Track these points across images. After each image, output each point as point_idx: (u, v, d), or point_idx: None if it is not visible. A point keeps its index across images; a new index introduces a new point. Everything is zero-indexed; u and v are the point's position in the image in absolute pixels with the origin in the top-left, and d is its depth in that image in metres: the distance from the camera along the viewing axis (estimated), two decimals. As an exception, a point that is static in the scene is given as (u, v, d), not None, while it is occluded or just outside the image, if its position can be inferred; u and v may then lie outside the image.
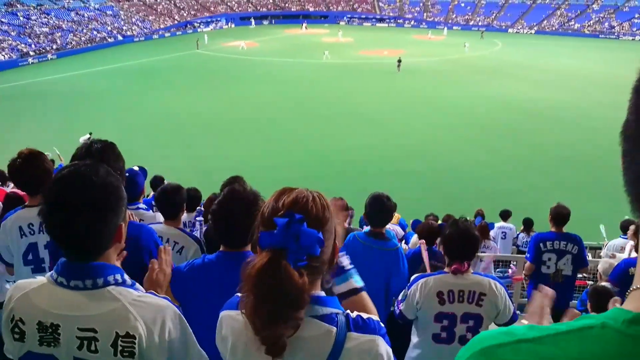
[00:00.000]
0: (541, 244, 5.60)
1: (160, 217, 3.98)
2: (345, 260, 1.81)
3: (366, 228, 4.13)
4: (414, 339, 3.21)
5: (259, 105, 27.64)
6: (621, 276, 5.55)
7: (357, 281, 1.80)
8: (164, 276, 2.04)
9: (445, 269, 3.11)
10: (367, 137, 21.97)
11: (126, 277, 1.65)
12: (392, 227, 8.37)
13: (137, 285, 1.67)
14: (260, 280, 1.31)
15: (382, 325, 1.50)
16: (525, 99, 28.83)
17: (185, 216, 5.10)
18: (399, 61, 38.05)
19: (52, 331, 1.54)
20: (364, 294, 1.80)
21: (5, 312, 1.60)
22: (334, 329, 1.40)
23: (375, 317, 1.53)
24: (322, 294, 1.48)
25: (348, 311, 1.48)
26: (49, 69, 40.31)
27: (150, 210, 4.15)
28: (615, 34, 64.56)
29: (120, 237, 1.67)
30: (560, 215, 5.57)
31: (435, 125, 24.03)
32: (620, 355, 0.64)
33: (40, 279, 1.64)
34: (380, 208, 3.87)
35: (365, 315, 1.48)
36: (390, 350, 1.48)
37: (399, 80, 34.84)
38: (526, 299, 7.18)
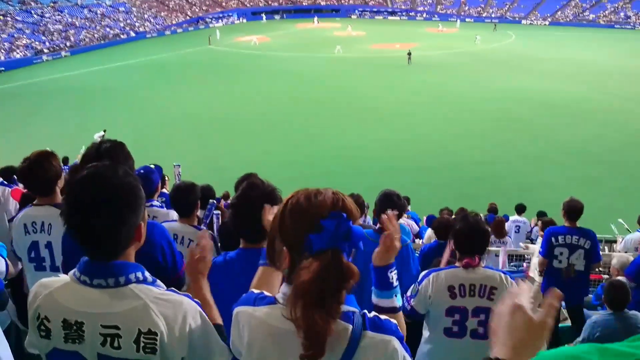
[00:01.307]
0: (553, 238, 5.54)
1: (174, 214, 4.02)
2: (394, 276, 1.83)
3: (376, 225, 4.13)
4: (426, 333, 3.23)
5: (271, 101, 27.67)
6: (638, 271, 5.50)
7: (398, 300, 1.84)
8: (205, 263, 2.03)
9: (457, 264, 3.13)
10: (379, 132, 21.89)
11: (147, 274, 1.69)
12: (407, 222, 8.37)
13: (158, 282, 1.70)
14: (323, 281, 1.34)
15: (400, 331, 1.52)
16: (539, 92, 28.49)
17: (199, 213, 5.15)
18: (409, 54, 38.03)
19: (76, 328, 1.58)
20: (400, 314, 1.85)
21: (31, 309, 1.65)
22: (350, 326, 1.42)
23: (395, 322, 1.55)
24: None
25: (365, 311, 1.50)
26: (63, 66, 40.68)
27: (164, 208, 4.19)
28: (631, 24, 63.55)
29: (140, 237, 1.71)
30: (573, 209, 5.51)
31: (448, 119, 23.89)
32: None
33: (64, 278, 1.68)
34: (390, 206, 3.87)
35: (382, 317, 1.50)
36: (406, 355, 1.50)
37: (411, 74, 34.64)
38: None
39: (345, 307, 1.45)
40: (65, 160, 12.14)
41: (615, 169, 17.28)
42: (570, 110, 24.96)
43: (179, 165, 5.57)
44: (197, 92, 30.27)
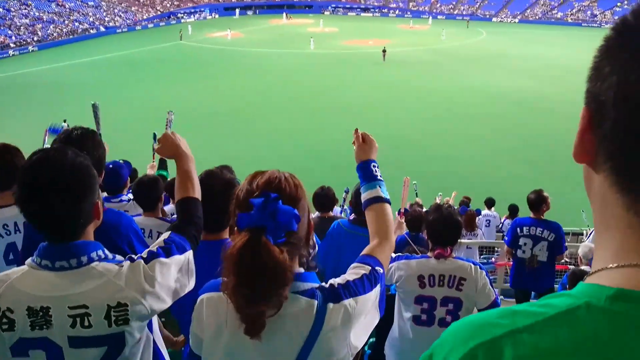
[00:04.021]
0: (518, 229, 5.76)
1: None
2: (376, 170, 1.98)
3: (350, 216, 4.18)
4: (396, 320, 3.28)
5: (245, 97, 27.51)
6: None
7: (383, 192, 1.93)
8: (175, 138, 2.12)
9: (429, 254, 3.18)
10: (351, 127, 21.92)
11: (107, 252, 1.71)
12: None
13: (118, 257, 1.73)
14: (241, 258, 1.35)
15: (366, 278, 1.57)
16: (510, 89, 29.00)
17: (170, 207, 5.12)
18: (384, 51, 38.25)
19: (43, 314, 1.57)
20: (387, 206, 1.91)
21: None
22: (315, 301, 1.45)
23: (364, 269, 1.60)
24: (302, 270, 1.54)
25: (323, 283, 1.53)
26: (31, 61, 39.71)
27: (132, 202, 4.18)
28: (598, 22, 65.00)
29: (98, 214, 1.73)
30: (529, 201, 5.72)
31: (420, 116, 24.12)
32: (612, 334, 0.62)
33: (20, 268, 1.67)
34: None
35: (341, 281, 1.54)
36: (376, 293, 1.57)
37: (384, 71, 34.83)
38: (508, 284, 7.29)
39: (308, 284, 1.49)
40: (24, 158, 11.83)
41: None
42: (539, 106, 25.49)
43: (172, 112, 5.50)
44: (168, 87, 29.89)
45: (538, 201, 5.63)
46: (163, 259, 1.73)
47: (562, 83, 30.62)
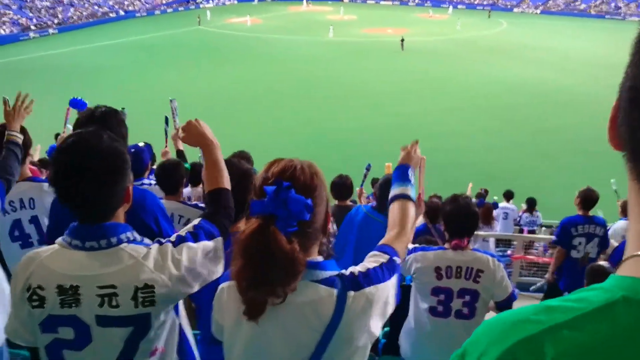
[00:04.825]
0: (572, 229, 5.64)
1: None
2: (412, 175, 2.13)
3: (372, 202, 4.23)
4: (412, 311, 3.27)
5: (262, 84, 27.51)
6: (619, 257, 5.59)
7: (412, 193, 2.05)
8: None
9: (445, 245, 3.16)
10: (370, 117, 21.91)
11: (136, 234, 1.73)
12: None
13: (146, 240, 1.75)
14: (249, 244, 1.37)
15: (384, 268, 1.58)
16: (529, 81, 28.61)
17: (188, 190, 5.16)
18: (402, 40, 38.06)
19: (72, 293, 1.60)
20: (411, 204, 2.01)
21: (20, 282, 1.65)
22: (335, 290, 1.46)
23: (382, 259, 1.61)
24: (320, 258, 1.54)
25: (343, 271, 1.53)
26: (51, 44, 40.07)
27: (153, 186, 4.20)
28: (622, 14, 63.73)
29: (128, 198, 1.76)
30: (589, 198, 5.63)
31: (438, 106, 23.94)
32: None
33: (52, 246, 1.70)
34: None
35: (361, 269, 1.55)
36: (393, 282, 1.58)
37: (403, 60, 34.57)
38: (526, 278, 7.23)
39: (327, 273, 1.49)
40: (57, 136, 12.02)
41: (601, 159, 17.42)
42: (557, 99, 25.13)
43: (175, 100, 5.39)
44: (186, 72, 29.99)
45: (596, 200, 5.61)
46: (191, 244, 1.74)
47: (582, 75, 30.17)
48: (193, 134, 2.07)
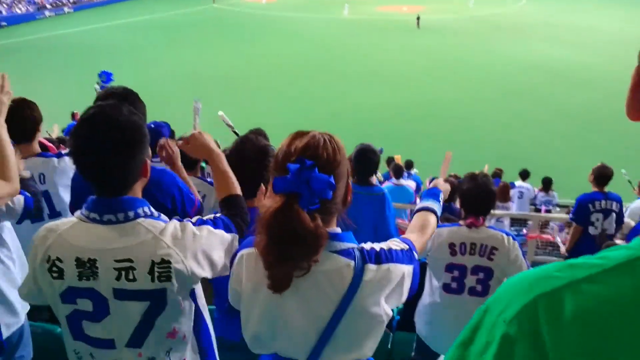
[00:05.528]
0: (590, 205, 5.61)
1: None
2: (442, 197, 2.28)
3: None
4: (427, 288, 3.28)
5: (276, 62, 27.43)
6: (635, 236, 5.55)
7: (438, 210, 2.18)
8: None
9: (460, 222, 3.15)
10: (386, 97, 21.75)
11: (153, 209, 1.74)
12: (408, 184, 8.40)
13: (163, 216, 1.75)
14: (272, 222, 1.37)
15: (405, 253, 1.59)
16: (548, 60, 28.05)
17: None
18: (418, 18, 37.64)
19: (90, 266, 1.62)
20: (434, 218, 2.10)
21: (40, 253, 1.67)
22: (352, 262, 1.47)
23: (403, 246, 1.62)
24: (339, 230, 1.55)
25: (362, 245, 1.54)
26: (66, 23, 40.21)
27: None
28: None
29: (145, 172, 1.76)
30: (603, 175, 5.60)
31: (454, 85, 23.69)
32: None
33: (70, 219, 1.72)
34: (364, 162, 3.91)
35: (384, 247, 1.56)
36: (410, 270, 1.59)
37: (418, 38, 34.17)
38: (541, 257, 7.20)
39: (345, 244, 1.50)
40: (74, 115, 12.13)
41: (619, 139, 17.17)
42: (576, 78, 24.67)
43: (199, 100, 5.40)
44: (201, 51, 29.98)
45: (610, 175, 5.58)
46: (211, 227, 1.76)
47: (603, 54, 29.49)
48: (197, 145, 2.09)
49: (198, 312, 1.84)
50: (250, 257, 1.57)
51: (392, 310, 1.59)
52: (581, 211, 5.68)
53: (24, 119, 3.36)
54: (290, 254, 1.39)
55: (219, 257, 1.76)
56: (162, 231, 1.66)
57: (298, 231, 1.36)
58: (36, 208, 2.65)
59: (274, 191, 1.42)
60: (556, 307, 0.66)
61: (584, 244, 5.74)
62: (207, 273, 1.73)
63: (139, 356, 1.70)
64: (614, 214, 5.60)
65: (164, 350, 1.73)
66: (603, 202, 5.57)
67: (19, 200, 2.53)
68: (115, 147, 1.61)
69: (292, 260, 1.40)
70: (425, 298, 3.26)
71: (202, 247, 1.71)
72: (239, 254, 1.64)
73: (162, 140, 2.70)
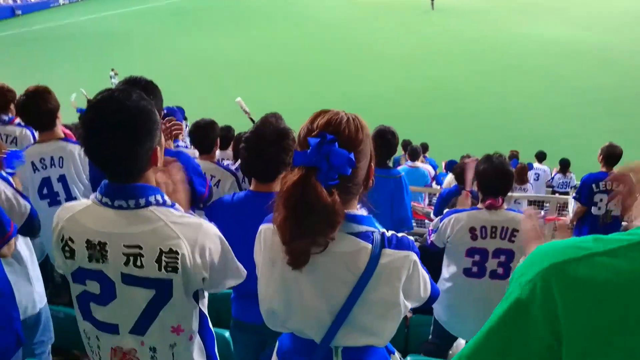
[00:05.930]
0: (594, 185, 5.52)
1: (197, 153, 4.07)
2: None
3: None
4: (445, 272, 3.25)
5: (288, 46, 27.37)
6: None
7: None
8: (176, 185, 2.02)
9: (479, 205, 3.11)
10: (400, 80, 21.59)
11: (166, 197, 1.72)
12: (424, 167, 8.36)
13: (177, 205, 1.74)
14: (290, 195, 1.37)
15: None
16: (565, 39, 27.51)
17: (218, 153, 5.20)
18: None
19: (99, 249, 1.63)
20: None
21: (55, 232, 1.70)
22: (370, 245, 1.46)
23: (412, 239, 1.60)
24: (358, 212, 1.53)
25: (383, 230, 1.53)
26: (80, 10, 40.36)
27: (188, 147, 4.24)
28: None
29: (156, 160, 1.73)
30: (612, 155, 5.48)
31: (467, 66, 23.40)
32: None
33: (85, 201, 1.73)
34: (385, 144, 3.88)
35: (399, 234, 1.54)
36: (422, 269, 1.59)
37: (432, 19, 33.74)
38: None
39: (364, 227, 1.49)
40: (89, 102, 12.22)
41: (637, 120, 16.89)
42: (594, 58, 24.18)
43: (241, 100, 5.45)
44: (213, 36, 29.94)
45: (620, 155, 5.46)
46: (221, 235, 1.77)
47: (622, 34, 28.84)
48: (172, 173, 2.03)
49: (202, 316, 1.84)
50: (269, 232, 1.57)
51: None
52: (584, 191, 5.59)
53: (39, 111, 3.42)
54: (307, 228, 1.38)
55: (221, 266, 1.75)
56: (173, 221, 1.65)
57: (314, 204, 1.35)
58: (30, 225, 2.59)
59: (293, 164, 1.42)
60: (567, 277, 0.69)
61: (587, 224, 5.66)
62: (205, 275, 1.70)
63: (142, 344, 1.71)
64: (620, 195, 5.46)
65: (167, 344, 1.73)
66: (608, 182, 5.43)
67: (26, 205, 2.54)
68: (120, 132, 1.59)
69: (309, 236, 1.40)
70: (443, 283, 3.23)
71: (208, 246, 1.70)
72: (259, 229, 1.64)
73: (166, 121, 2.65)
